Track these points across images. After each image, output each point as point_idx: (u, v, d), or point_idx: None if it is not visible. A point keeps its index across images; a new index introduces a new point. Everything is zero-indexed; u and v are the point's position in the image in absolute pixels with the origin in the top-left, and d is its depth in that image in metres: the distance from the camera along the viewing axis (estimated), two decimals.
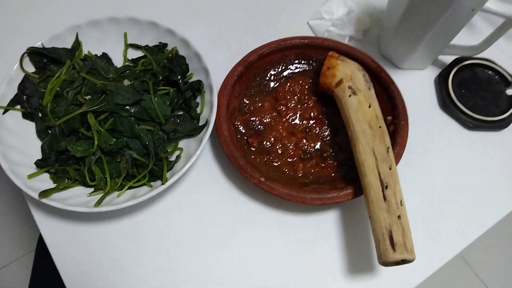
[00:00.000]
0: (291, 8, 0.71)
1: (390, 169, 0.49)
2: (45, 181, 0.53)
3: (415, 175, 0.58)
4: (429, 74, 0.66)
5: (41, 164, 0.53)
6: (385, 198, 0.47)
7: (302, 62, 0.62)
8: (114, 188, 0.52)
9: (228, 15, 0.71)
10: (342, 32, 0.66)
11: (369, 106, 0.53)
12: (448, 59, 0.66)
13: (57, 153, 0.54)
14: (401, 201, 0.48)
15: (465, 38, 0.62)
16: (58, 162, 0.54)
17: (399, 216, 0.46)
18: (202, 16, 0.71)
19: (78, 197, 0.52)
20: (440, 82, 0.64)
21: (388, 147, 0.51)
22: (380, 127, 0.52)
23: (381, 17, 0.68)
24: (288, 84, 0.61)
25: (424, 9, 0.53)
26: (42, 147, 0.55)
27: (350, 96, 0.54)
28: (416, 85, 0.65)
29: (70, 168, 0.53)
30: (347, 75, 0.55)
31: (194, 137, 0.56)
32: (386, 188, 0.48)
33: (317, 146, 0.57)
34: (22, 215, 1.31)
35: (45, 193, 0.50)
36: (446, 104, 0.62)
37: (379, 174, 0.49)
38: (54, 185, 0.53)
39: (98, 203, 0.50)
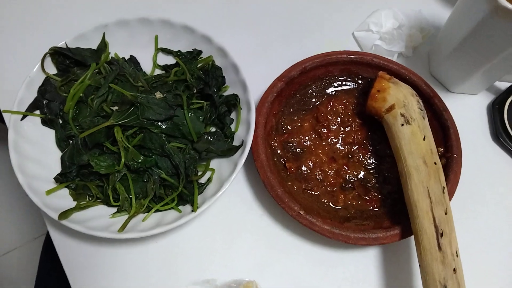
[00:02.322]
0: (335, 18, 0.65)
1: (446, 213, 0.45)
2: (63, 198, 0.49)
3: (463, 212, 0.53)
4: (482, 100, 0.61)
5: (61, 180, 0.49)
6: (440, 248, 0.43)
7: (348, 79, 0.57)
8: (140, 210, 0.48)
9: (268, 24, 0.65)
10: (391, 48, 0.60)
11: (424, 139, 0.48)
12: (503, 84, 0.61)
13: (78, 167, 0.49)
14: (456, 252, 0.43)
15: None
16: (79, 177, 0.50)
17: (454, 270, 0.42)
18: (240, 24, 0.65)
19: (100, 218, 0.48)
20: (494, 110, 0.58)
21: (443, 187, 0.46)
22: (435, 163, 0.47)
23: (435, 34, 0.63)
24: (331, 103, 0.56)
25: (494, 35, 0.48)
26: (62, 158, 0.50)
27: (402, 125, 0.49)
28: (467, 112, 0.59)
29: (92, 184, 0.49)
30: (400, 100, 0.50)
31: (228, 158, 0.51)
32: (441, 236, 0.43)
33: (360, 175, 0.53)
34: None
35: (65, 214, 0.45)
36: (499, 135, 0.57)
37: (434, 218, 0.44)
38: (73, 203, 0.48)
39: (122, 228, 0.46)
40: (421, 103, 0.51)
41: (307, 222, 0.47)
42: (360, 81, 0.57)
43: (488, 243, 0.52)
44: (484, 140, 0.58)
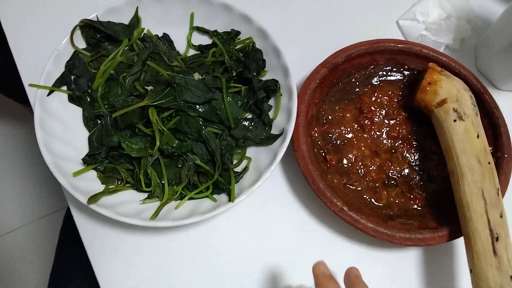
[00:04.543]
0: (379, 4, 0.62)
1: (501, 217, 0.42)
2: (91, 180, 0.46)
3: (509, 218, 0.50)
4: None
5: (89, 161, 0.46)
6: (495, 253, 0.40)
7: (394, 69, 0.54)
8: (173, 198, 0.45)
9: (308, 7, 0.61)
10: (439, 39, 0.57)
11: (478, 136, 0.45)
12: None
13: (107, 149, 0.46)
14: None
15: None
16: (108, 160, 0.47)
17: (511, 277, 0.39)
18: (280, 5, 0.62)
19: (129, 203, 0.45)
20: None
21: (498, 189, 0.43)
22: (489, 163, 0.44)
23: (483, 27, 0.59)
24: (376, 94, 0.52)
25: None
26: (89, 138, 0.47)
27: (455, 121, 0.46)
28: None
29: (121, 167, 0.46)
30: (452, 94, 0.47)
31: (265, 146, 0.48)
32: (497, 240, 0.40)
33: (404, 172, 0.50)
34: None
35: (94, 198, 0.42)
36: None
37: (489, 221, 0.41)
38: (101, 186, 0.45)
39: (155, 215, 0.43)
40: (474, 99, 0.48)
41: (350, 219, 0.44)
42: (406, 72, 0.54)
43: None
44: None
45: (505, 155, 0.48)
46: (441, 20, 0.58)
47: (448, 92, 0.47)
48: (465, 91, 0.48)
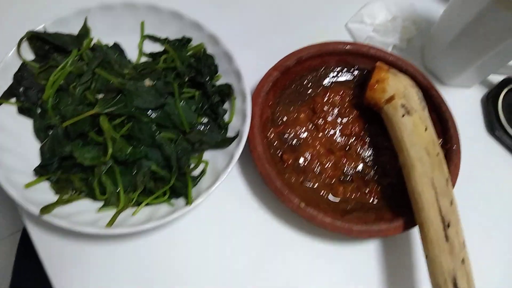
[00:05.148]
0: (328, 8, 0.64)
1: (451, 204, 0.43)
2: (44, 192, 0.44)
3: (462, 205, 0.52)
4: (476, 93, 0.60)
5: (40, 171, 0.44)
6: (447, 238, 0.41)
7: (344, 70, 0.56)
8: (129, 205, 0.45)
9: (259, 12, 0.63)
10: (385, 39, 0.59)
11: (425, 129, 0.47)
12: (496, 78, 0.60)
13: (60, 159, 0.45)
14: (463, 242, 0.42)
15: None
16: (61, 170, 0.45)
17: (463, 260, 0.41)
18: (231, 11, 0.63)
19: (85, 213, 0.44)
20: (488, 103, 0.58)
21: (447, 179, 0.45)
22: (438, 154, 0.46)
23: (428, 27, 0.62)
24: (328, 95, 0.54)
25: (493, 26, 0.47)
26: (41, 149, 0.46)
27: (403, 116, 0.47)
28: (461, 105, 0.58)
29: (75, 177, 0.45)
30: (400, 91, 0.49)
31: (222, 149, 0.48)
32: (448, 226, 0.42)
33: (359, 168, 0.51)
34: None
35: (47, 208, 0.41)
36: (494, 128, 0.56)
37: (440, 209, 0.43)
38: (55, 197, 0.44)
39: (111, 222, 0.42)
40: (421, 94, 0.50)
41: (307, 215, 0.44)
42: (356, 72, 0.56)
43: (488, 236, 0.51)
44: (479, 133, 0.58)
45: (454, 147, 0.50)
46: (387, 21, 0.60)
47: (396, 89, 0.49)
48: (412, 87, 0.50)
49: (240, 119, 0.49)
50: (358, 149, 0.52)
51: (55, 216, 0.41)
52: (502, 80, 0.59)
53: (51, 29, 0.50)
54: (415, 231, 0.48)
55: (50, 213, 0.41)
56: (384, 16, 0.61)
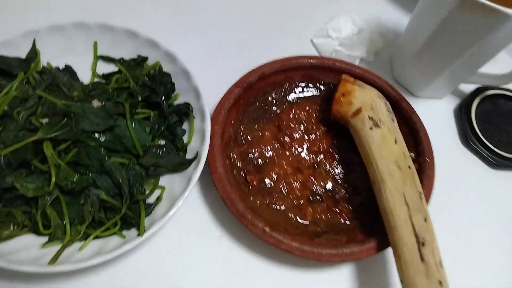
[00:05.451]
0: (292, 24, 0.62)
1: (426, 221, 0.40)
2: None
3: (437, 219, 0.49)
4: (447, 104, 0.58)
5: None
6: (422, 258, 0.38)
7: (309, 85, 0.53)
8: (76, 238, 0.40)
9: (220, 29, 0.61)
10: (352, 53, 0.57)
11: (395, 142, 0.44)
12: (467, 88, 0.59)
13: (0, 191, 0.41)
14: (440, 262, 0.39)
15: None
16: (2, 203, 0.41)
17: (440, 282, 0.37)
18: (189, 28, 0.60)
19: (27, 249, 0.40)
20: (461, 113, 0.56)
21: (420, 193, 0.42)
22: (409, 167, 0.43)
23: (395, 39, 0.60)
24: (293, 111, 0.51)
25: (460, 30, 0.45)
26: None
27: (371, 128, 0.45)
28: (433, 117, 0.56)
29: (17, 210, 0.41)
30: (367, 103, 0.46)
31: (180, 173, 0.45)
32: (423, 245, 0.39)
33: (328, 186, 0.48)
34: None
35: None
36: (468, 138, 0.54)
37: (413, 227, 0.39)
38: None
39: (54, 259, 0.38)
40: (389, 106, 0.48)
41: (273, 240, 0.41)
42: (322, 87, 0.53)
43: (467, 253, 0.48)
44: (453, 144, 0.55)
45: (427, 159, 0.48)
46: (353, 35, 0.58)
47: (362, 101, 0.47)
48: (379, 98, 0.48)
49: (200, 139, 0.45)
50: (327, 167, 0.49)
51: None
52: (474, 90, 0.57)
53: None
54: (390, 253, 0.45)
55: None
56: (350, 29, 0.59)
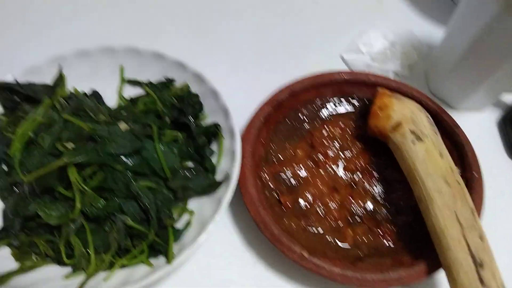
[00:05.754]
0: (319, 40, 0.60)
1: (481, 239, 0.36)
2: (3, 259, 0.38)
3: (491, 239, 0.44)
4: (489, 116, 0.54)
5: (1, 235, 0.39)
6: (482, 282, 0.34)
7: (341, 101, 0.51)
8: (101, 268, 0.38)
9: (247, 48, 0.59)
10: (386, 67, 0.55)
11: (441, 156, 0.41)
12: (509, 98, 0.55)
13: (23, 219, 0.39)
14: (502, 285, 0.34)
15: None
16: (25, 232, 0.40)
17: None
18: (217, 48, 0.59)
19: (50, 281, 0.38)
20: (507, 125, 0.52)
21: (472, 210, 0.38)
22: (458, 183, 0.39)
23: (430, 51, 0.58)
24: (326, 128, 0.48)
25: (503, 37, 0.42)
26: (4, 211, 0.41)
27: (413, 142, 0.41)
28: (476, 129, 0.52)
29: (40, 239, 0.39)
30: (407, 116, 0.43)
31: (209, 196, 0.42)
32: (481, 266, 0.34)
33: (368, 206, 0.44)
34: None
35: (3, 279, 0.35)
36: None
37: (469, 247, 0.36)
38: (17, 265, 0.38)
39: None
40: (431, 118, 0.45)
41: (312, 266, 0.38)
42: (356, 102, 0.51)
43: None
44: (500, 158, 0.51)
45: (475, 174, 0.44)
46: (385, 49, 0.56)
47: (402, 115, 0.44)
48: (420, 111, 0.45)
49: (229, 160, 0.43)
50: (366, 185, 0.45)
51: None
52: None
53: (23, 79, 0.47)
54: (442, 276, 0.41)
55: (6, 284, 0.35)
56: (381, 44, 0.57)
